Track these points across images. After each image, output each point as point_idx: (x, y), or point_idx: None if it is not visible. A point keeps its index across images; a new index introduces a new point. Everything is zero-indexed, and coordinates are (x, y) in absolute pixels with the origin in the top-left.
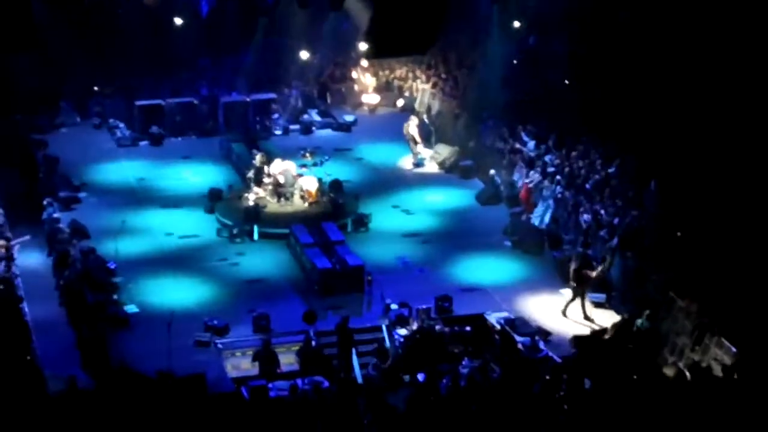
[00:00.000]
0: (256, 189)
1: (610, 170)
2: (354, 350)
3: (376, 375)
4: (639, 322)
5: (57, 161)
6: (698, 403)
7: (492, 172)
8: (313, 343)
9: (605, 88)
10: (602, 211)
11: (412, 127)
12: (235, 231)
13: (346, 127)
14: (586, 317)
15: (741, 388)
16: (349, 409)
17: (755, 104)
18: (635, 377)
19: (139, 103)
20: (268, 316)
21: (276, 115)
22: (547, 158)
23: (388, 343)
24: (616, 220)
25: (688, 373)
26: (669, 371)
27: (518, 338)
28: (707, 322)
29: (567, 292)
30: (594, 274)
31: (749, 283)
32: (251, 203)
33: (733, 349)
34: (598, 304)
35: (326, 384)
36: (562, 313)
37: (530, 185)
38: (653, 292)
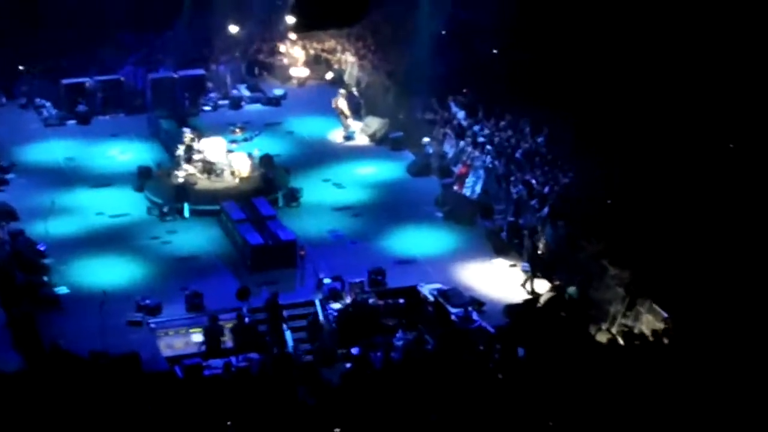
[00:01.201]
0: (185, 166)
1: (539, 139)
2: (287, 326)
3: (310, 350)
4: (571, 290)
5: None
6: (630, 369)
7: (426, 140)
8: (247, 320)
9: (534, 56)
10: (533, 181)
11: (341, 100)
12: (165, 209)
13: (275, 102)
14: (533, 291)
15: (672, 353)
16: (284, 384)
17: (684, 66)
18: (568, 345)
19: (65, 81)
20: (200, 293)
21: (211, 93)
22: (476, 128)
23: (321, 318)
24: (546, 189)
25: (620, 339)
26: (601, 338)
27: (451, 309)
28: (639, 289)
29: (499, 263)
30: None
31: (680, 251)
32: (181, 181)
33: (665, 315)
34: (529, 273)
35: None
36: (528, 292)
37: (468, 162)
38: (585, 261)
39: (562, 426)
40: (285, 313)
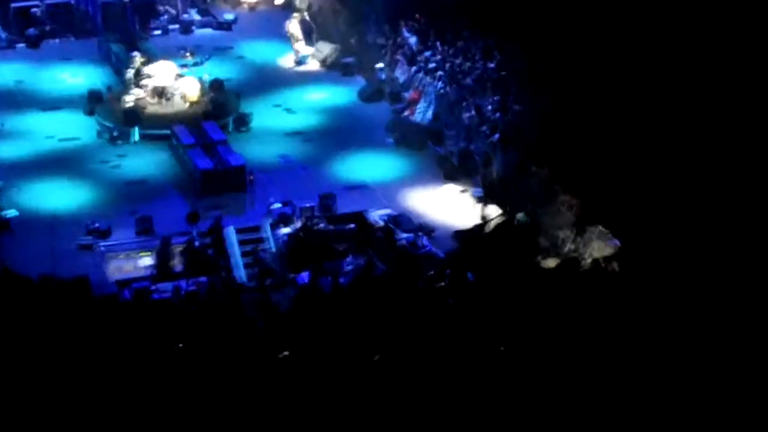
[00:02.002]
0: (135, 90)
1: (490, 65)
2: (238, 249)
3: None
4: (520, 216)
5: None
6: (578, 294)
7: (380, 65)
8: (196, 243)
9: None
10: (486, 107)
11: (293, 24)
12: (115, 133)
13: (226, 26)
14: (483, 217)
15: (621, 279)
16: (233, 308)
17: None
18: (516, 270)
19: (14, 4)
20: (150, 217)
21: (161, 16)
22: (428, 54)
23: (268, 251)
24: (497, 116)
25: (569, 265)
26: (550, 263)
27: (401, 235)
28: (588, 215)
29: (449, 188)
30: None
31: (632, 177)
32: (131, 104)
33: (616, 242)
34: (479, 199)
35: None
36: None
37: (420, 88)
38: (535, 187)
39: (512, 350)
40: (236, 237)
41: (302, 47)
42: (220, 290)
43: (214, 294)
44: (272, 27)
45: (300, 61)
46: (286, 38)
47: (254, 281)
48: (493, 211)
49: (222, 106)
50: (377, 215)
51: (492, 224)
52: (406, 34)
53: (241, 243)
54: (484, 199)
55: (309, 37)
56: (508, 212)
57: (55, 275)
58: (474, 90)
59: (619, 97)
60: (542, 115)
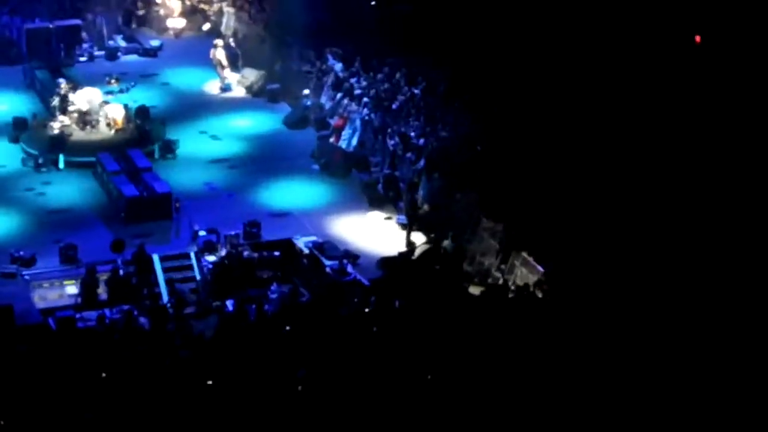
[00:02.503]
0: (61, 117)
1: (415, 90)
2: (163, 277)
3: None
4: (446, 243)
5: None
6: (503, 320)
7: (306, 92)
8: (121, 272)
9: (412, 7)
10: (410, 134)
11: (218, 51)
12: (40, 160)
13: (152, 53)
14: (409, 244)
15: (545, 306)
16: (159, 336)
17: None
18: (442, 297)
19: None
20: (75, 246)
21: (86, 43)
22: (353, 81)
23: (189, 281)
24: (422, 142)
25: (493, 292)
26: (475, 290)
27: (326, 262)
28: (512, 242)
29: (375, 216)
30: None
31: (556, 204)
32: (56, 132)
33: (540, 269)
34: (405, 226)
35: (134, 313)
36: (409, 247)
37: (345, 114)
38: (459, 213)
39: (439, 378)
40: (162, 265)
41: (228, 74)
42: (147, 318)
43: (138, 323)
44: (198, 54)
45: (225, 88)
46: (212, 65)
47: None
48: (419, 238)
49: (147, 133)
50: (302, 242)
51: (418, 251)
52: (332, 61)
53: (166, 270)
54: (410, 227)
55: (235, 63)
56: (434, 239)
57: None
58: (398, 116)
59: (542, 123)
60: (466, 140)
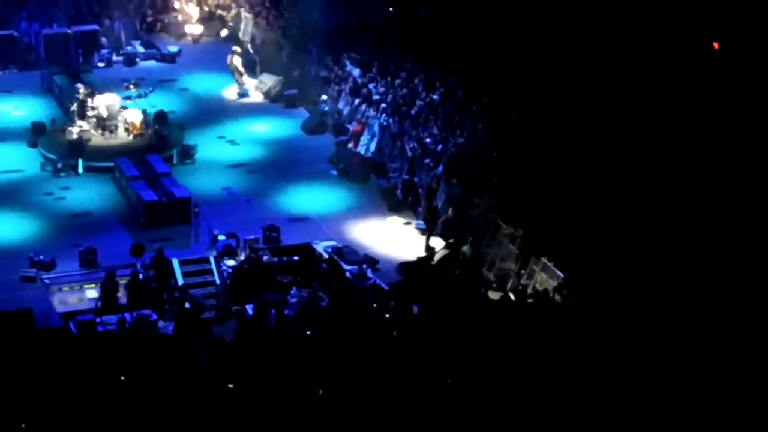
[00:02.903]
0: (79, 122)
1: (434, 96)
2: (184, 281)
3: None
4: (465, 248)
5: None
6: (522, 326)
7: (324, 97)
8: (141, 276)
9: (429, 11)
10: (427, 139)
11: (236, 57)
12: (59, 165)
13: (170, 58)
14: (428, 249)
15: (564, 312)
16: (181, 340)
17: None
18: (460, 302)
19: None
20: (94, 250)
21: (105, 49)
22: (371, 86)
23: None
24: (440, 147)
25: (512, 297)
26: (494, 295)
27: (346, 267)
28: (532, 247)
29: (393, 221)
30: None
31: (576, 209)
32: (75, 137)
33: (560, 274)
34: (423, 231)
35: (154, 317)
36: (428, 252)
37: (363, 120)
38: (478, 218)
39: (458, 382)
40: (181, 269)
41: (246, 80)
42: (171, 321)
43: (158, 327)
44: (216, 59)
45: (243, 94)
46: (230, 71)
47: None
48: (438, 243)
49: (166, 139)
50: (321, 247)
51: (437, 256)
52: (349, 67)
53: (185, 275)
54: (429, 232)
55: (252, 69)
56: (453, 244)
57: None
58: (416, 122)
59: (561, 127)
60: (484, 145)
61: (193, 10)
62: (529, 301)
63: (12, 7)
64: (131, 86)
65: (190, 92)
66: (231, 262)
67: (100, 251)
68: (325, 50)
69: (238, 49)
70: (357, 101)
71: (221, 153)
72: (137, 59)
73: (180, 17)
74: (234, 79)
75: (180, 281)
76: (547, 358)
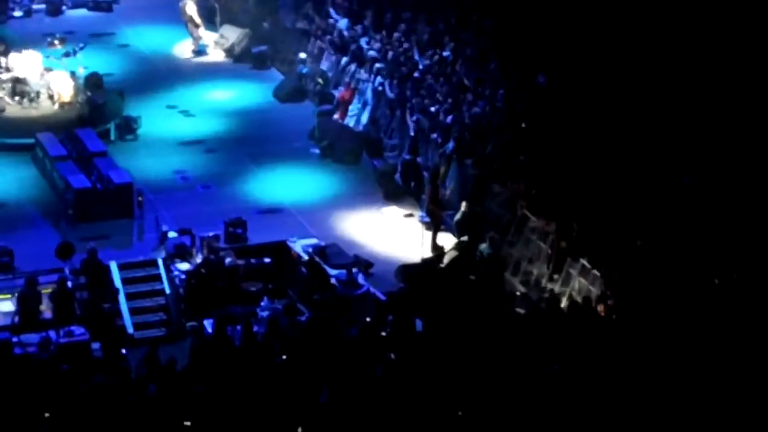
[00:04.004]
0: None
1: (444, 54)
2: (123, 292)
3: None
4: (482, 247)
5: None
6: (555, 347)
7: (302, 55)
8: (69, 284)
9: None
10: (434, 108)
11: (190, 5)
12: None
13: (105, 6)
14: (434, 248)
15: (612, 328)
16: (116, 366)
17: None
18: (477, 316)
19: None
20: (11, 251)
21: None
22: (362, 41)
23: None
24: (450, 118)
25: (543, 309)
26: (520, 308)
27: (331, 271)
28: (568, 245)
29: (391, 212)
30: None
31: (622, 196)
32: None
33: (601, 278)
34: (428, 225)
35: (86, 335)
36: (435, 251)
37: (353, 85)
38: (498, 209)
39: (472, 417)
40: (121, 275)
41: (202, 33)
42: (101, 343)
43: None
44: (164, 8)
45: (200, 51)
46: (182, 21)
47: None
48: (448, 240)
49: (101, 108)
50: (300, 246)
51: (447, 258)
52: (335, 17)
53: (126, 282)
54: (435, 226)
55: (211, 19)
56: (467, 242)
57: None
58: (421, 86)
59: (606, 95)
60: (507, 116)
61: None
62: (565, 314)
63: None
64: (57, 42)
65: (131, 49)
66: (184, 266)
67: (17, 252)
68: None
69: None
70: (344, 60)
71: (172, 127)
72: (64, 7)
73: None
74: (188, 33)
75: (119, 290)
76: (587, 390)
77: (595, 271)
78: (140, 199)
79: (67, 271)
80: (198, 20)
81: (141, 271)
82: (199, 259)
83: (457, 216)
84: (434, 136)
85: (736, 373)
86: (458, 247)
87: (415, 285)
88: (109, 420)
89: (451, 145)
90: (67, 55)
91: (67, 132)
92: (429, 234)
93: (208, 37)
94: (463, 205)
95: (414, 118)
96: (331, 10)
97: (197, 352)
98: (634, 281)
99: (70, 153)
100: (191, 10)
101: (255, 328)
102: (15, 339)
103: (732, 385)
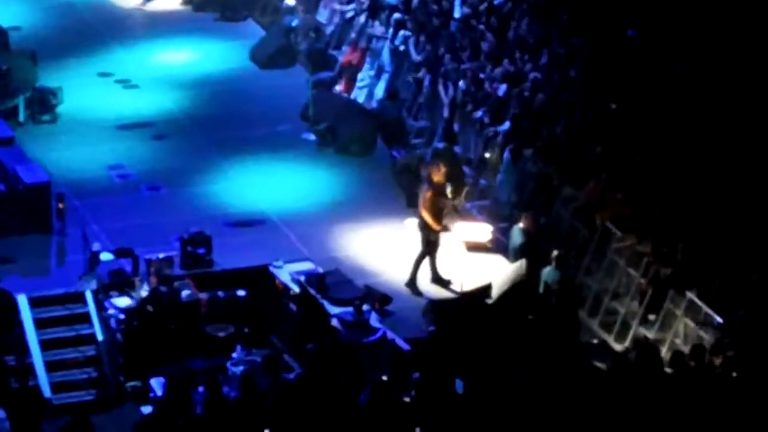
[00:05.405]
0: None
1: (496, 1)
2: (36, 338)
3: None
4: (546, 273)
5: None
6: (653, 413)
7: (288, 1)
8: None
9: None
10: (480, 75)
11: None
12: None
13: None
14: (437, 278)
15: (732, 388)
16: None
17: None
18: (541, 373)
19: None
20: None
21: None
22: None
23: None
24: (502, 89)
25: (636, 361)
26: (601, 362)
27: (332, 308)
28: (669, 274)
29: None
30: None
31: (746, 209)
32: None
33: (718, 319)
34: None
35: None
36: (435, 281)
37: (363, 44)
38: (571, 221)
39: None
40: (32, 314)
41: None
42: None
43: None
44: None
45: None
46: None
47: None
48: (499, 264)
49: (4, 78)
50: (288, 273)
51: (496, 289)
52: None
53: (41, 325)
54: (479, 242)
55: None
56: (525, 267)
57: None
58: (459, 44)
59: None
60: (583, 89)
61: None
62: (666, 369)
63: None
64: None
65: None
66: (124, 302)
67: None
68: None
69: None
70: (351, 9)
71: (106, 103)
72: None
73: None
74: None
75: (30, 334)
76: None
77: (709, 310)
78: (61, 206)
79: None
80: None
81: (62, 308)
82: (144, 292)
83: (513, 231)
84: (478, 114)
85: None
86: (513, 274)
87: (452, 329)
88: None
89: (504, 127)
90: None
91: None
92: (471, 255)
93: None
94: (522, 215)
95: (451, 91)
96: None
97: (143, 426)
98: (764, 325)
99: None
100: None
101: (224, 390)
102: None
103: None
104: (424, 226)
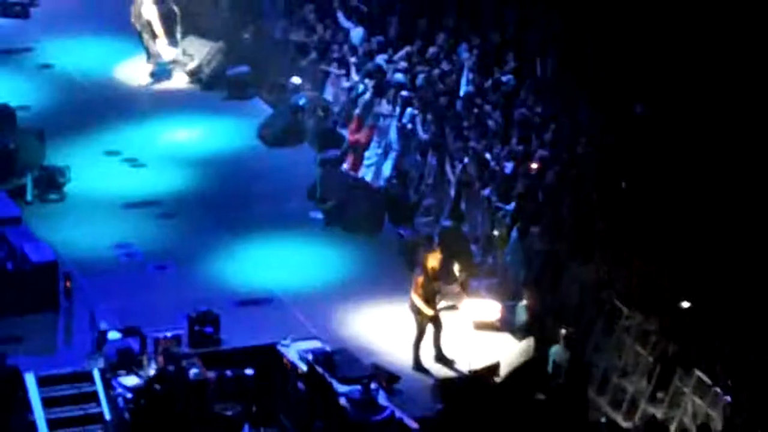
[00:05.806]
0: None
1: (503, 78)
2: (43, 417)
3: None
4: (554, 351)
5: None
6: None
7: (296, 80)
8: None
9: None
10: (487, 154)
11: (146, 6)
12: None
13: (20, 11)
14: (441, 356)
15: None
16: None
17: None
18: None
19: None
20: None
21: None
22: (380, 59)
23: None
24: (509, 167)
25: None
26: None
27: (340, 387)
28: (678, 351)
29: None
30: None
31: (749, 284)
32: None
33: (727, 398)
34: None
35: None
36: (416, 363)
37: (371, 122)
38: (578, 296)
39: None
40: (40, 393)
41: (162, 48)
42: None
43: None
44: (101, 14)
45: (159, 73)
46: (134, 31)
47: None
48: (506, 341)
49: (12, 157)
50: (295, 351)
51: (505, 368)
52: (345, 23)
53: (48, 404)
54: (488, 320)
55: (170, 31)
56: (534, 345)
57: None
58: (466, 122)
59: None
60: (593, 163)
61: None
62: None
63: None
64: None
65: (55, 71)
66: (131, 381)
67: None
68: None
69: None
70: (360, 86)
71: (113, 182)
72: None
73: None
74: (142, 47)
75: (38, 413)
76: None
77: (717, 389)
78: (68, 284)
79: None
80: (159, 29)
81: (69, 387)
82: (152, 371)
83: (518, 309)
84: (486, 192)
85: None
86: (521, 352)
87: (460, 408)
88: None
89: (511, 206)
90: None
91: None
92: (479, 332)
93: (167, 53)
94: (526, 292)
95: (458, 166)
96: (340, 15)
97: None
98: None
99: None
100: (150, 13)
101: None
102: None
103: None
104: (417, 311)
